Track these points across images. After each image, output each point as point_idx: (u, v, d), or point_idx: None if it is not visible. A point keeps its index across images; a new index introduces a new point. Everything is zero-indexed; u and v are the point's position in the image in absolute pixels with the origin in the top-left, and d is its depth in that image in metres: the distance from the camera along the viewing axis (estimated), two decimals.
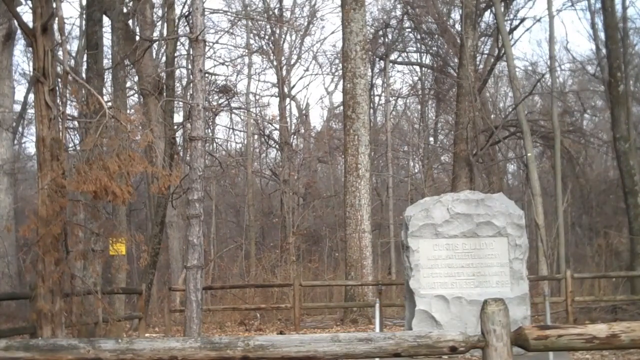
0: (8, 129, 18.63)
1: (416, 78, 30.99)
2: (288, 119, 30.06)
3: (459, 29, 24.21)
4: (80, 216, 9.04)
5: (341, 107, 23.53)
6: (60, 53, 8.22)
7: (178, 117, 24.21)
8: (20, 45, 29.42)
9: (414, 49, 29.93)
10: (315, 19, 30.10)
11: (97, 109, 7.87)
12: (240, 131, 30.96)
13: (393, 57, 28.22)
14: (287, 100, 29.61)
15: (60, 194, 7.46)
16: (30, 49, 8.62)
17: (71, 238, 7.92)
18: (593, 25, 22.96)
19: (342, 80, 18.76)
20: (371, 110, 25.32)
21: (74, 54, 21.08)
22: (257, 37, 29.00)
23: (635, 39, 26.24)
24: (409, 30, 28.56)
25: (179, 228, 21.44)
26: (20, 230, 7.63)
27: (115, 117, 7.89)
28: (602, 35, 21.45)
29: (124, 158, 7.48)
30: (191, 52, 12.94)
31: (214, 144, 28.14)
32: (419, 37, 28.74)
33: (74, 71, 9.38)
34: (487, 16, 26.19)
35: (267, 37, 28.75)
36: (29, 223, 7.49)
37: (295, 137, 30.88)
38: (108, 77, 18.79)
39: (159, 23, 22.64)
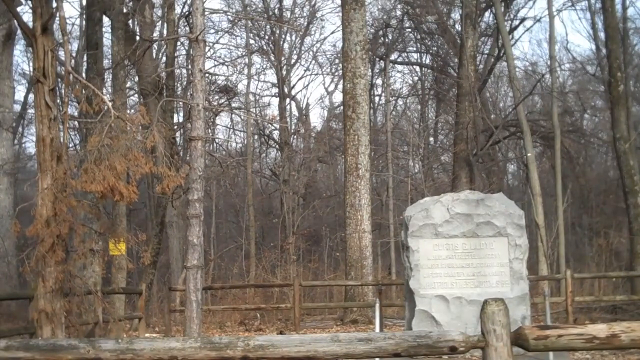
0: (8, 129, 18.64)
1: (416, 78, 31.02)
2: (288, 119, 30.06)
3: (459, 29, 24.22)
4: (80, 216, 9.04)
5: (341, 107, 23.53)
6: (62, 53, 8.25)
7: (178, 117, 24.26)
8: (20, 45, 29.39)
9: (414, 49, 29.97)
10: (315, 19, 30.11)
11: (101, 108, 7.88)
12: (240, 131, 31.00)
13: (393, 57, 28.22)
14: (287, 100, 29.63)
15: (65, 194, 7.48)
16: (30, 49, 8.62)
17: (75, 238, 7.94)
18: (593, 25, 22.98)
19: (342, 80, 18.75)
20: (371, 110, 25.33)
21: (74, 54, 21.07)
22: (257, 37, 29.01)
23: (635, 39, 26.29)
24: (409, 30, 28.57)
25: (179, 228, 21.44)
26: (27, 231, 7.64)
27: (121, 117, 7.90)
28: (602, 35, 21.48)
29: (130, 158, 7.50)
30: (191, 52, 12.95)
31: (214, 144, 28.15)
32: (419, 37, 28.76)
33: (75, 71, 9.39)
34: (487, 16, 26.23)
35: (267, 37, 28.76)
36: (35, 223, 7.50)
37: (295, 137, 30.88)
38: (108, 77, 18.80)
39: (159, 23, 22.65)
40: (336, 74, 30.06)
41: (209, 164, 24.36)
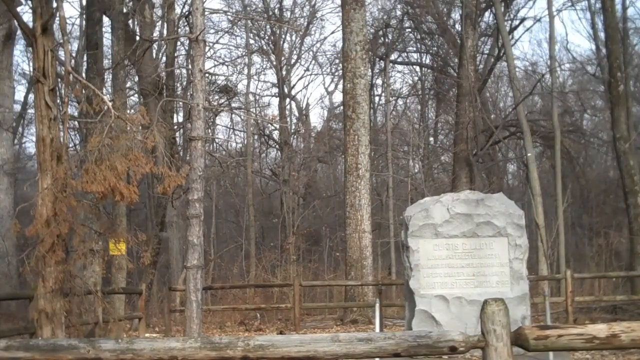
0: (8, 129, 18.63)
1: (416, 78, 31.00)
2: (288, 119, 30.06)
3: (459, 29, 24.22)
4: (80, 216, 9.04)
5: (341, 107, 23.53)
6: (62, 53, 8.26)
7: (178, 117, 24.25)
8: (20, 45, 29.39)
9: (414, 49, 29.96)
10: (315, 19, 30.10)
11: (101, 108, 7.88)
12: (240, 131, 30.99)
13: (393, 57, 28.21)
14: (287, 100, 29.63)
15: (65, 194, 7.48)
16: (30, 49, 8.62)
17: (75, 238, 7.94)
18: (593, 25, 22.96)
19: (342, 80, 18.75)
20: (371, 110, 25.32)
21: (74, 54, 21.07)
22: (257, 37, 29.01)
23: (635, 39, 26.26)
24: (409, 30, 28.56)
25: (179, 228, 21.43)
26: (27, 231, 7.64)
27: (121, 117, 7.90)
28: (602, 35, 21.47)
29: (130, 158, 7.50)
30: (191, 52, 12.95)
31: (214, 144, 28.14)
32: (419, 37, 28.75)
33: (75, 71, 9.39)
34: (487, 16, 26.22)
35: (267, 37, 28.76)
36: (35, 223, 7.50)
37: (295, 137, 30.88)
38: (108, 77, 18.80)
39: (159, 23, 22.65)
40: (336, 74, 30.08)
41: (209, 164, 24.36)
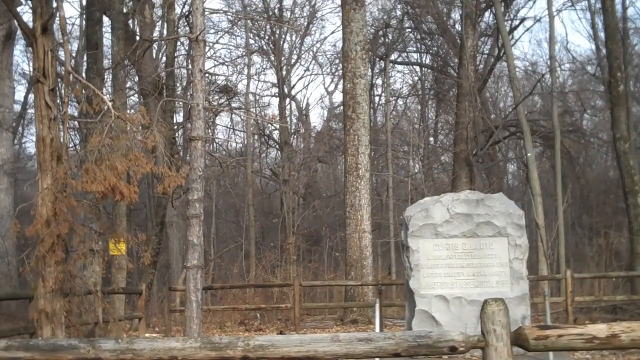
0: (8, 129, 18.63)
1: (416, 78, 31.00)
2: (288, 119, 30.06)
3: (459, 29, 24.22)
4: (80, 216, 9.04)
5: (341, 107, 23.53)
6: (62, 53, 8.26)
7: (177, 118, 24.25)
8: (20, 45, 29.40)
9: (414, 49, 29.97)
10: (315, 19, 30.12)
11: (101, 108, 7.89)
12: (240, 131, 30.99)
13: (393, 57, 28.21)
14: (287, 100, 29.63)
15: (65, 194, 7.48)
16: (30, 49, 8.62)
17: (75, 238, 7.94)
18: (593, 25, 22.96)
19: (342, 80, 18.75)
20: (371, 110, 25.32)
21: (74, 54, 21.05)
22: (257, 37, 29.02)
23: (635, 39, 26.26)
24: (409, 30, 28.57)
25: (179, 228, 21.43)
26: (27, 231, 7.64)
27: (121, 117, 7.91)
28: (602, 35, 21.47)
29: (130, 158, 7.50)
30: (191, 52, 12.95)
31: (214, 144, 28.14)
32: (419, 37, 28.76)
33: (75, 71, 9.39)
34: (487, 16, 26.23)
35: (267, 37, 28.76)
36: (34, 223, 7.50)
37: (295, 137, 30.88)
38: (108, 77, 18.80)
39: (159, 23, 22.65)
40: (336, 74, 30.09)
41: (209, 164, 24.36)
